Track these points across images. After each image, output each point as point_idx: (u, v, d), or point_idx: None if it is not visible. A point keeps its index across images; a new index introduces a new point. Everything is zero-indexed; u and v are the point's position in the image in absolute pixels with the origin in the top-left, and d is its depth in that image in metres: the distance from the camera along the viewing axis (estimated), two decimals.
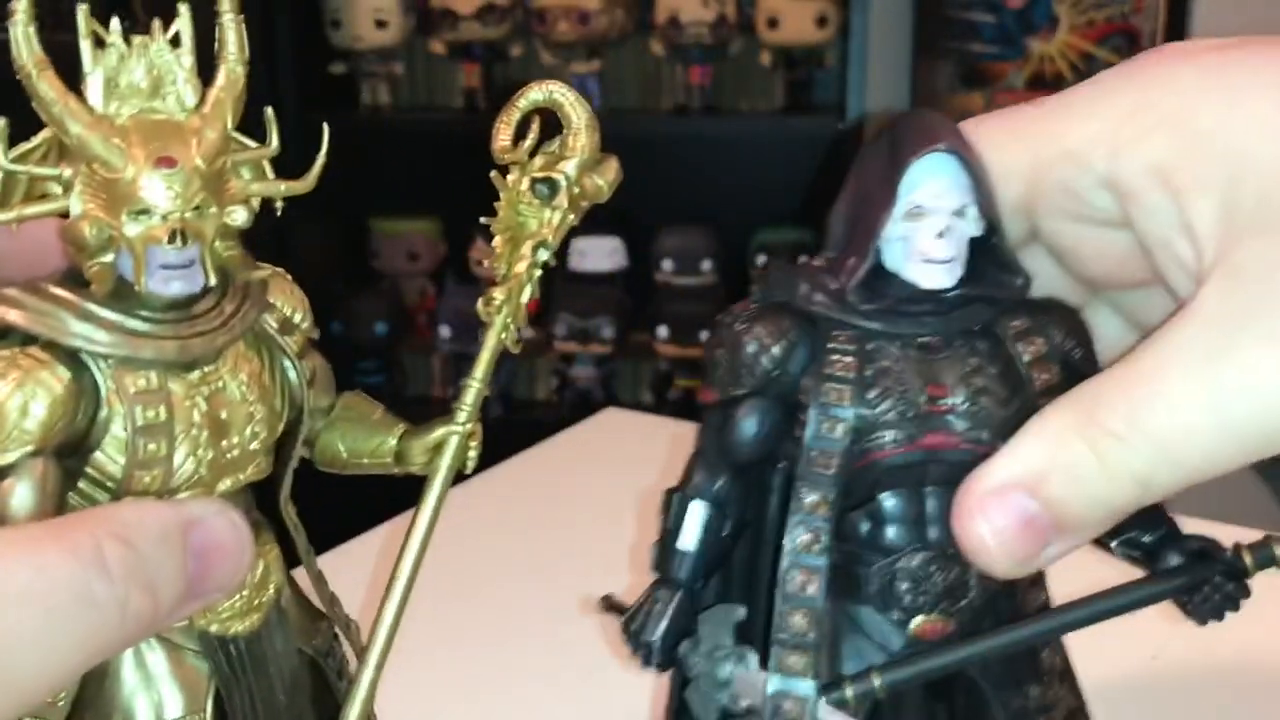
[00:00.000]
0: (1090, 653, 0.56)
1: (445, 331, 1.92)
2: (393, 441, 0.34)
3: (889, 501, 0.35)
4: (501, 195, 0.35)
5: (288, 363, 0.32)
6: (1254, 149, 0.30)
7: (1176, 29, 2.03)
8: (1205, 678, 0.54)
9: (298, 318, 0.33)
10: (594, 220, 1.59)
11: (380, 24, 1.90)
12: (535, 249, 0.35)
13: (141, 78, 0.29)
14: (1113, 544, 0.36)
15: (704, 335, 1.80)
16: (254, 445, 0.31)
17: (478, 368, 0.35)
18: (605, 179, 0.36)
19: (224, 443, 0.30)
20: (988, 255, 0.35)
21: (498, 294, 0.34)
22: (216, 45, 0.30)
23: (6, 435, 0.27)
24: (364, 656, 0.32)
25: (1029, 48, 2.07)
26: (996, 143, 0.36)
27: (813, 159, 1.93)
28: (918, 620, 0.35)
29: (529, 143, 0.35)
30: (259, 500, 0.33)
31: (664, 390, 1.97)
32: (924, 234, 0.34)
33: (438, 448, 0.34)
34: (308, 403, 0.32)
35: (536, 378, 2.05)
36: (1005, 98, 2.08)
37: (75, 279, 0.28)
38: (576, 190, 0.35)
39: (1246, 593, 0.35)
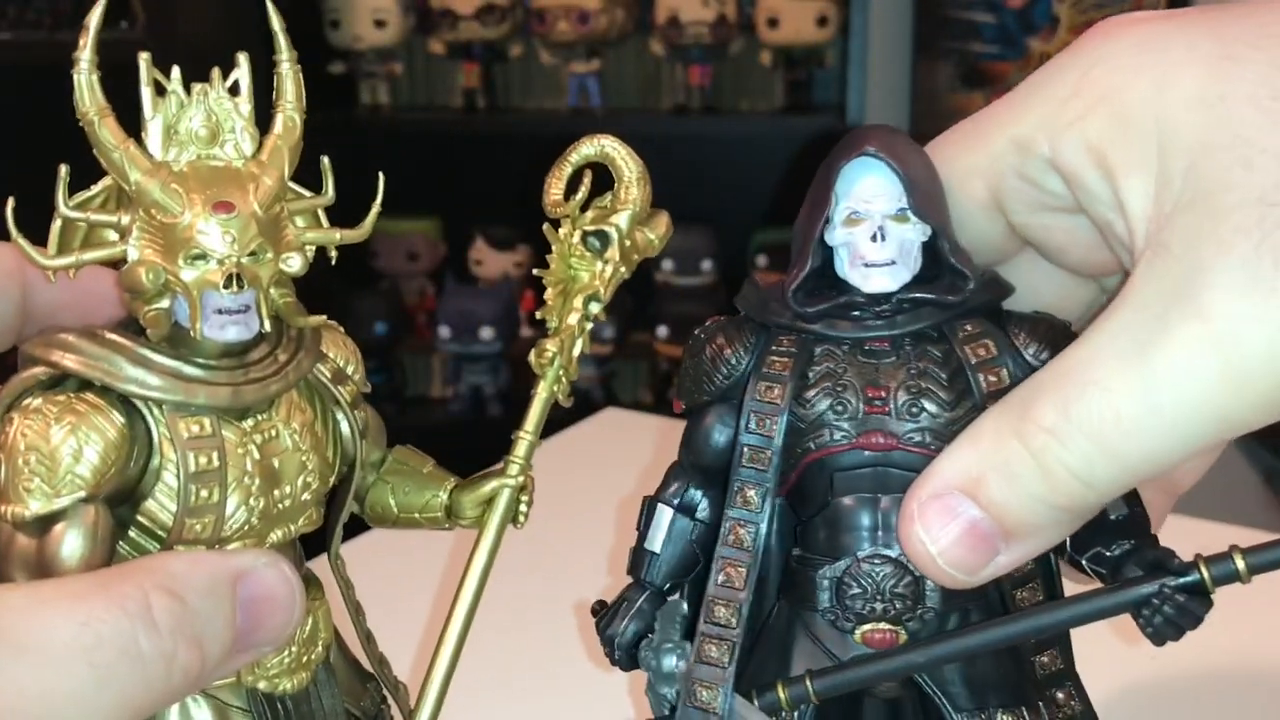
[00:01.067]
0: (1090, 652, 0.56)
1: (445, 331, 1.92)
2: (444, 496, 0.34)
3: (844, 507, 0.35)
4: (553, 248, 0.35)
5: (340, 414, 0.32)
6: (1182, 124, 0.29)
7: None
8: (1205, 677, 0.54)
9: (350, 369, 0.32)
10: None
11: (379, 24, 1.90)
12: (587, 301, 0.35)
13: (200, 125, 0.29)
14: (1082, 560, 0.35)
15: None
16: (306, 496, 0.31)
17: (529, 420, 0.34)
18: (656, 233, 0.36)
19: (276, 492, 0.30)
20: (943, 260, 0.35)
21: (550, 346, 0.35)
22: (274, 93, 0.30)
23: (59, 480, 0.27)
24: (414, 715, 0.31)
25: (1029, 47, 2.07)
26: (953, 146, 0.35)
27: (813, 159, 1.93)
28: (865, 627, 0.35)
29: (580, 196, 0.35)
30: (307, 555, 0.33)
31: (664, 390, 1.97)
32: (861, 238, 0.35)
33: (489, 501, 0.33)
34: (360, 454, 0.32)
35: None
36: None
37: (131, 326, 0.28)
38: (628, 243, 0.36)
39: (1204, 607, 0.33)
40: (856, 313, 0.35)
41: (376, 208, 0.31)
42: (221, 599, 0.25)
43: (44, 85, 2.00)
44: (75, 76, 0.28)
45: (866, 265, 0.35)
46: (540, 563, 0.64)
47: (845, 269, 0.35)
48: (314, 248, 0.31)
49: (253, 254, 0.28)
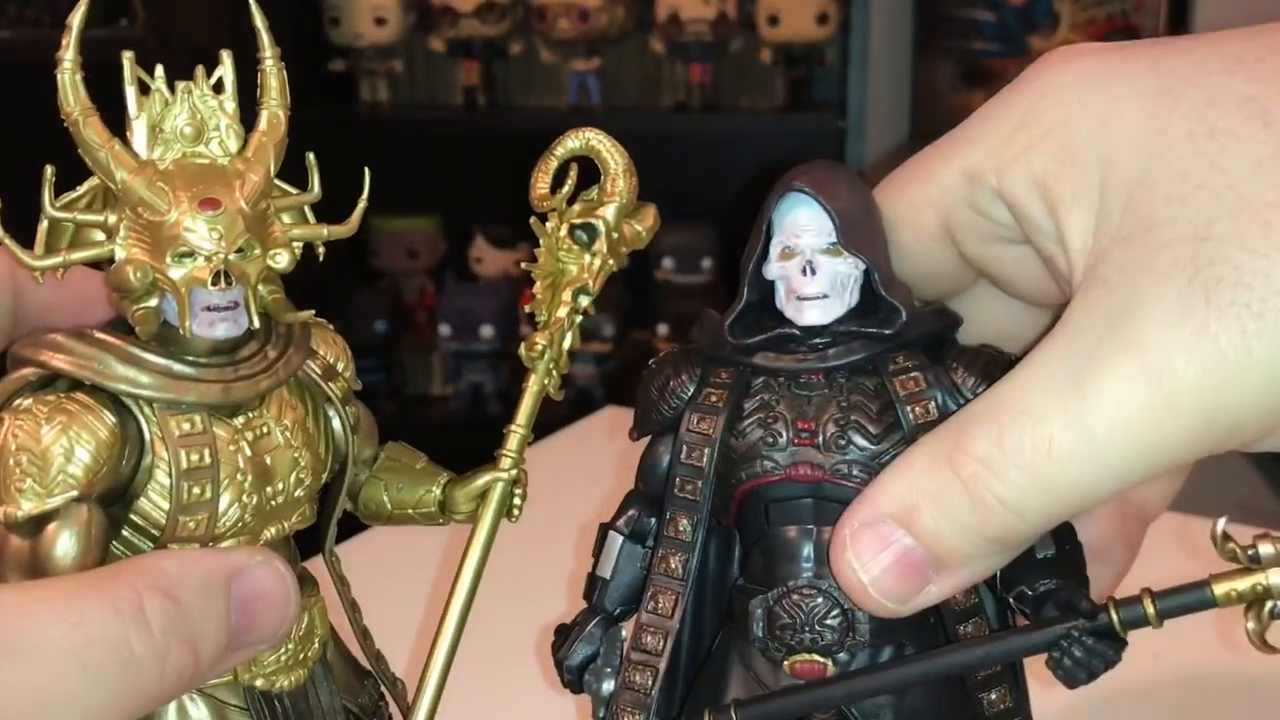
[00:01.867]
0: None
1: (445, 329, 1.92)
2: (437, 491, 0.34)
3: (780, 537, 0.35)
4: (541, 242, 0.35)
5: (332, 410, 0.32)
6: (1120, 159, 0.29)
7: (1178, 26, 2.03)
8: (1206, 677, 0.54)
9: (340, 366, 0.32)
10: None
11: (380, 21, 1.90)
12: (576, 294, 0.35)
13: (185, 123, 0.29)
14: (1009, 597, 0.34)
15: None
16: (299, 492, 0.31)
17: (521, 413, 0.35)
18: (644, 225, 0.36)
19: (268, 489, 0.30)
20: (878, 294, 0.35)
21: (540, 339, 0.35)
22: (258, 90, 0.30)
23: (51, 480, 0.27)
24: (412, 713, 0.31)
25: (1030, 45, 2.06)
26: (904, 179, 0.36)
27: (813, 157, 1.93)
28: (795, 658, 0.35)
29: (567, 189, 0.35)
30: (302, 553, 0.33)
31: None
32: (793, 272, 0.35)
33: (483, 496, 0.33)
34: (352, 450, 0.32)
35: None
36: None
37: (120, 326, 0.28)
38: (615, 236, 0.35)
39: (1116, 649, 0.32)
40: (792, 345, 0.35)
41: (363, 203, 0.31)
42: (215, 598, 0.25)
43: (44, 83, 2.00)
44: (59, 76, 0.28)
45: (800, 299, 0.35)
46: (541, 559, 0.64)
47: (781, 302, 0.36)
48: (302, 244, 0.31)
49: (240, 250, 0.28)
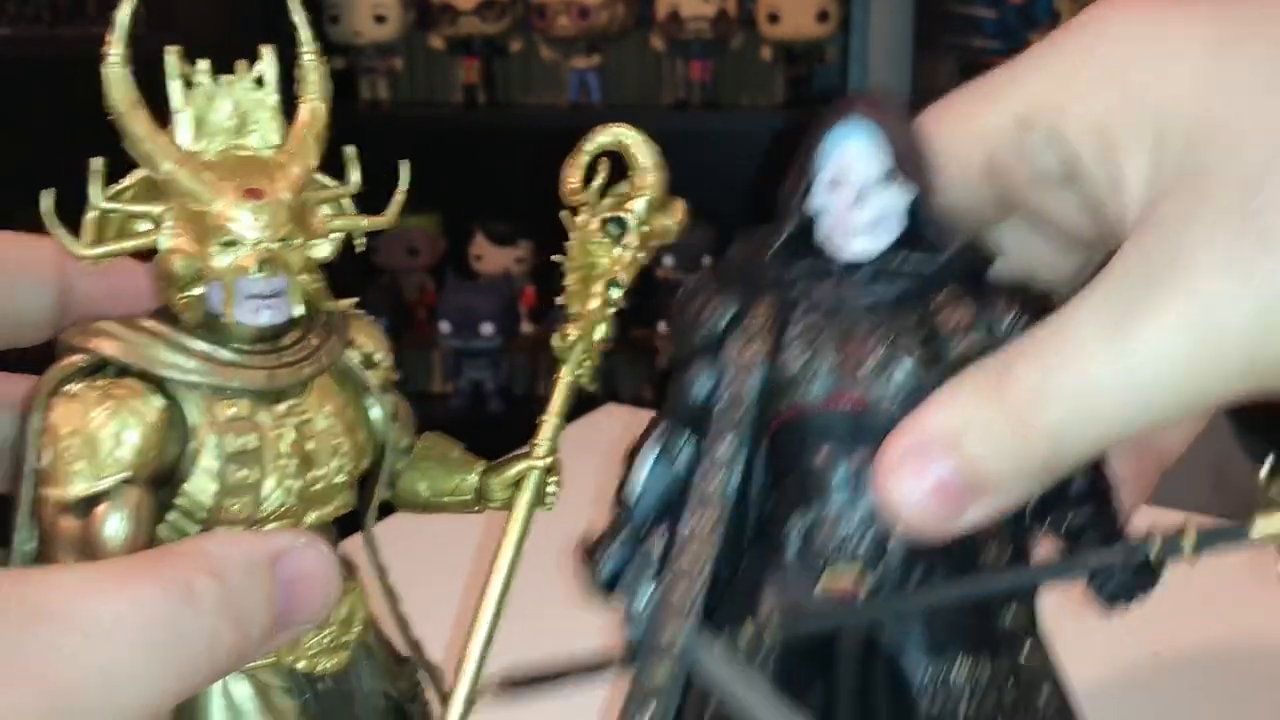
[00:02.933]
0: (1092, 649, 0.56)
1: (445, 327, 1.92)
2: (473, 479, 0.35)
3: (817, 463, 0.36)
4: (571, 235, 0.36)
5: (370, 399, 0.32)
6: (1183, 104, 0.29)
7: None
8: (1207, 675, 0.54)
9: (378, 356, 0.33)
10: None
11: (379, 19, 1.90)
12: (607, 286, 0.36)
13: (228, 116, 0.30)
14: (1041, 526, 0.36)
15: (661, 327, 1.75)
16: (339, 478, 0.31)
17: (553, 403, 0.35)
18: (673, 219, 0.38)
19: (310, 474, 0.30)
20: (924, 227, 0.35)
21: (572, 331, 0.36)
22: (297, 84, 0.31)
23: (101, 462, 0.28)
24: (450, 700, 0.32)
25: (1031, 42, 2.06)
26: (952, 113, 0.36)
27: None
28: (829, 578, 0.35)
29: (598, 184, 0.36)
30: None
31: (664, 387, 1.97)
32: (841, 203, 0.35)
33: (518, 483, 0.34)
34: (391, 438, 0.33)
35: (536, 373, 2.05)
36: None
37: (166, 315, 0.29)
38: (646, 229, 0.37)
39: (1153, 581, 0.34)
40: (835, 277, 0.36)
41: (401, 194, 0.32)
42: (260, 578, 0.25)
43: (44, 80, 2.00)
44: (105, 71, 0.29)
45: (846, 231, 0.35)
46: (541, 557, 0.64)
47: (825, 233, 0.36)
48: (340, 235, 0.31)
49: (283, 239, 0.29)
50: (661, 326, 1.87)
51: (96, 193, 0.28)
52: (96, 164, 0.28)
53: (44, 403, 0.28)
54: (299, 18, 0.31)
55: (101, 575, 0.24)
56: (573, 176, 0.36)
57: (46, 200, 0.28)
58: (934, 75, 2.08)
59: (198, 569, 0.24)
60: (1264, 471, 0.32)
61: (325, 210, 0.31)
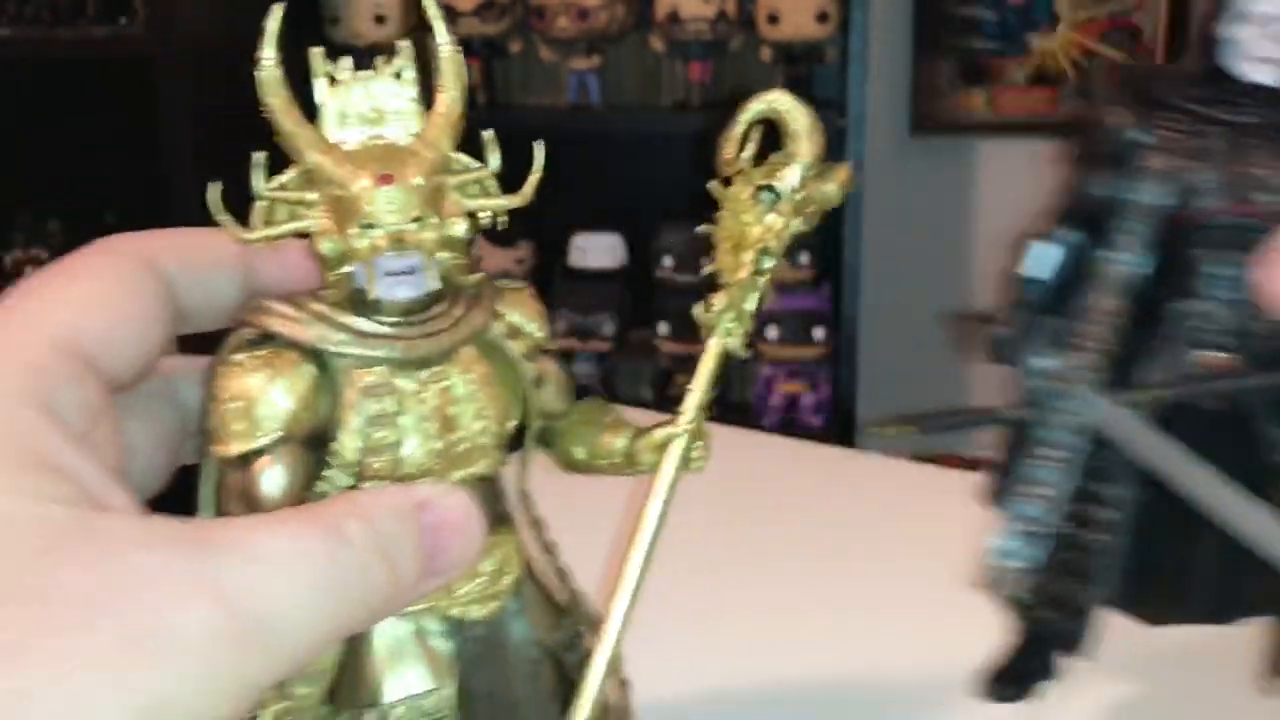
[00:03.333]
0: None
1: None
2: (622, 443, 0.36)
3: (1204, 257, 0.43)
4: (723, 205, 0.37)
5: (516, 365, 0.34)
6: None
7: (1178, 25, 2.03)
8: (1207, 674, 0.54)
9: (531, 327, 0.35)
10: (594, 217, 1.60)
11: (379, 20, 1.90)
12: (758, 256, 0.36)
13: (368, 109, 0.32)
14: None
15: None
16: (483, 440, 0.34)
17: (699, 373, 0.36)
18: (835, 183, 0.37)
19: (451, 436, 0.33)
20: None
21: (718, 300, 0.36)
22: (436, 75, 0.33)
23: (257, 423, 0.31)
24: (593, 652, 0.33)
25: (1030, 44, 2.06)
26: None
27: None
28: (1203, 352, 0.44)
29: (750, 151, 0.37)
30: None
31: (665, 388, 1.97)
32: (1251, 35, 0.42)
33: (664, 448, 0.35)
34: (533, 403, 0.35)
35: None
36: (1006, 94, 2.08)
37: (325, 292, 0.32)
38: (800, 196, 0.36)
39: None
40: (1243, 100, 0.42)
41: (536, 174, 0.34)
42: (406, 523, 0.28)
43: (44, 81, 1.99)
44: (258, 75, 0.31)
45: (1258, 59, 0.42)
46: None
47: (1234, 62, 0.42)
48: (485, 213, 0.34)
49: (417, 219, 0.31)
50: (662, 328, 1.87)
51: (259, 182, 0.31)
52: (259, 157, 0.31)
53: (215, 371, 0.32)
54: (434, 12, 0.33)
55: (269, 520, 0.26)
56: (729, 146, 0.37)
57: (214, 192, 0.31)
58: (933, 76, 2.08)
59: (348, 513, 0.26)
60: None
61: (472, 190, 0.33)
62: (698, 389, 0.36)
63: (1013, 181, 2.14)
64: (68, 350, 0.28)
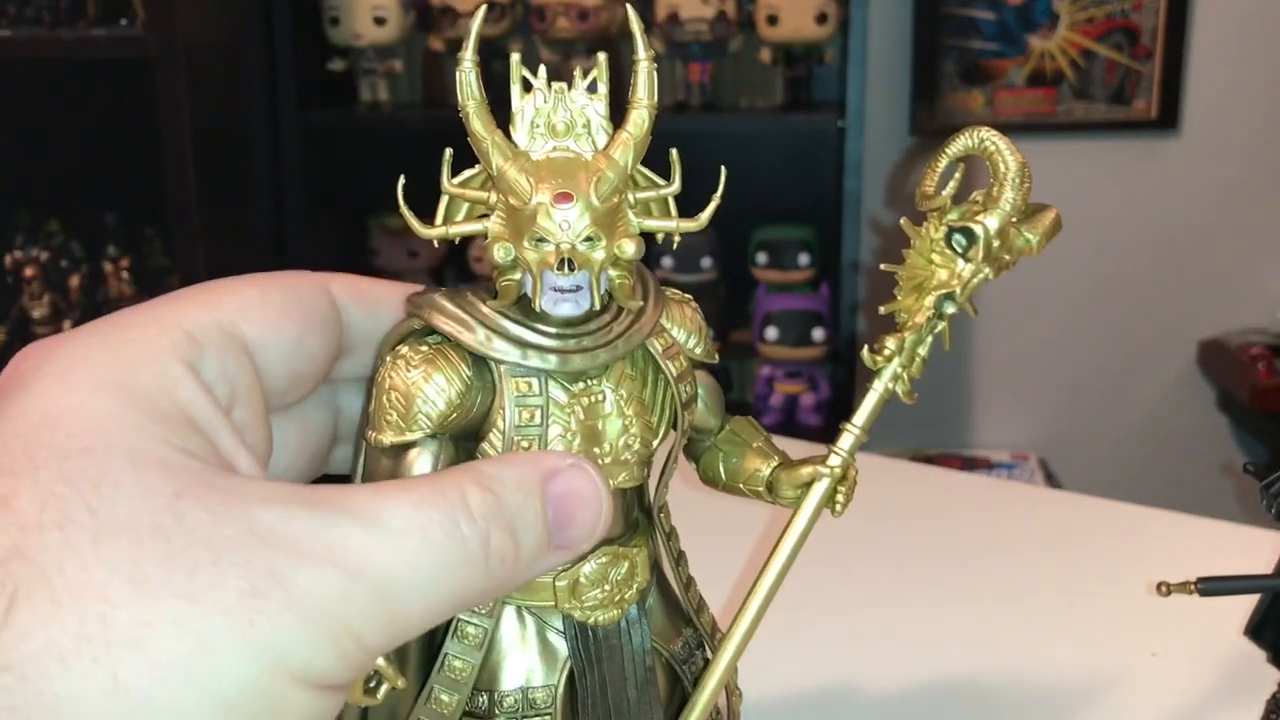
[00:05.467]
0: (1090, 648, 0.56)
1: None
2: (766, 471, 0.36)
3: None
4: (913, 241, 0.35)
5: (670, 384, 0.34)
6: None
7: (1176, 25, 2.03)
8: (1206, 672, 0.54)
9: (691, 342, 0.35)
10: None
11: (379, 20, 1.90)
12: (941, 301, 0.34)
13: (559, 120, 0.32)
14: None
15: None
16: (626, 455, 0.33)
17: (859, 414, 0.35)
18: (1037, 231, 0.35)
19: (596, 449, 0.33)
20: None
21: (891, 342, 0.35)
22: (630, 88, 0.32)
23: (411, 417, 0.32)
24: (710, 666, 0.35)
25: (1029, 45, 2.06)
26: None
27: (813, 156, 1.93)
28: None
29: (951, 189, 0.35)
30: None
31: None
32: None
33: (807, 485, 0.35)
34: (682, 423, 0.35)
35: None
36: (1005, 95, 2.08)
37: (492, 291, 0.32)
38: (996, 244, 0.34)
39: None
40: None
41: (717, 199, 0.34)
42: (531, 493, 0.28)
43: (45, 81, 1.99)
44: (458, 74, 0.31)
45: None
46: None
47: None
48: (658, 234, 0.34)
49: (588, 239, 0.31)
50: None
51: (446, 178, 0.32)
52: (447, 154, 0.32)
53: (380, 359, 0.33)
54: (636, 26, 0.32)
55: (392, 488, 0.26)
56: (929, 180, 0.35)
57: (399, 188, 0.32)
58: (933, 77, 2.08)
59: (471, 481, 0.27)
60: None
61: (653, 209, 0.33)
62: (855, 429, 0.35)
63: None
64: (226, 330, 0.29)
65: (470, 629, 0.33)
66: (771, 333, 1.84)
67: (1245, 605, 0.45)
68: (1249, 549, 0.66)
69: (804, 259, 1.86)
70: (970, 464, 2.14)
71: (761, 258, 1.86)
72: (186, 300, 0.30)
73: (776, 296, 1.87)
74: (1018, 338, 2.21)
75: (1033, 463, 2.16)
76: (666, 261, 1.85)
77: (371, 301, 0.34)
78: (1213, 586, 0.41)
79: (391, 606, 0.25)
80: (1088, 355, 2.20)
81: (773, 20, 1.81)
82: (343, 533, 0.24)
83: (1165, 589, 0.41)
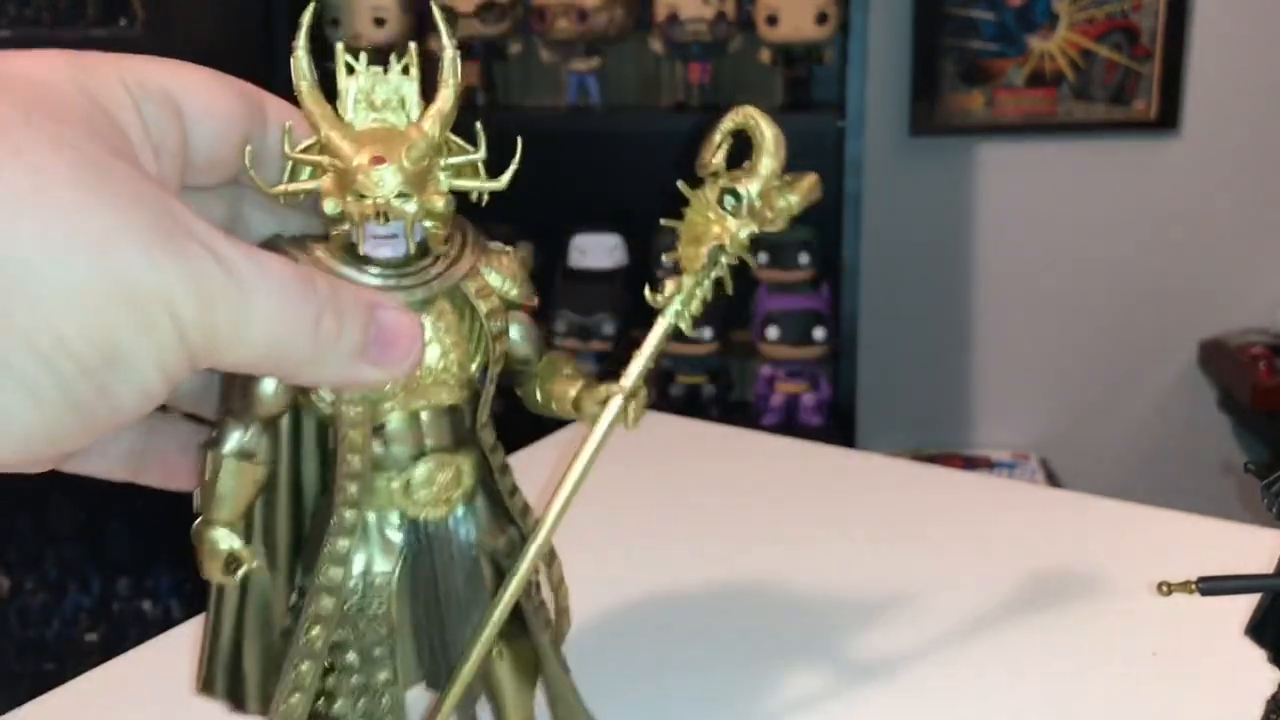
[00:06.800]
0: (1089, 647, 0.56)
1: None
2: (573, 392, 0.42)
3: None
4: (692, 201, 0.42)
5: (482, 319, 0.40)
6: None
7: (1176, 26, 2.03)
8: (1206, 672, 0.54)
9: (507, 286, 0.41)
10: (594, 217, 1.60)
11: (379, 22, 1.90)
12: (715, 251, 0.41)
13: (377, 97, 0.38)
14: None
15: (705, 332, 1.79)
16: (445, 377, 0.39)
17: (646, 344, 0.42)
18: (794, 195, 0.42)
19: (418, 370, 0.38)
20: None
21: (669, 284, 0.42)
22: (439, 73, 0.38)
23: None
24: (521, 554, 0.41)
25: (1029, 45, 2.07)
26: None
27: (813, 156, 1.93)
28: None
29: (721, 157, 0.42)
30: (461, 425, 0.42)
31: (665, 387, 1.97)
32: None
33: (605, 402, 0.41)
34: (493, 352, 0.40)
35: None
36: (1005, 95, 2.08)
37: (329, 241, 0.38)
38: (759, 203, 0.41)
39: None
40: None
41: (515, 164, 0.39)
42: (361, 308, 0.34)
43: None
44: (292, 60, 0.37)
45: None
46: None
47: None
48: (470, 193, 0.39)
49: (401, 195, 0.36)
50: None
51: (287, 146, 0.37)
52: (287, 125, 0.37)
53: None
54: (439, 16, 0.39)
55: (255, 249, 0.31)
56: (705, 151, 0.42)
57: (248, 155, 0.37)
58: (932, 77, 2.08)
59: (321, 276, 0.33)
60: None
61: (460, 171, 0.39)
62: (641, 357, 0.42)
63: (1012, 182, 2.15)
64: (169, 94, 0.33)
65: (338, 540, 0.39)
66: (772, 332, 1.85)
67: (1246, 605, 0.45)
68: (1250, 548, 0.66)
69: (804, 259, 1.86)
70: (971, 463, 2.14)
71: (762, 257, 1.86)
72: (140, 59, 0.33)
73: (777, 296, 1.87)
74: (1018, 337, 2.21)
75: (1034, 462, 2.16)
76: (667, 261, 1.85)
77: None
78: (1213, 586, 0.41)
79: (243, 315, 0.30)
80: (1088, 355, 2.20)
81: (772, 20, 1.81)
82: (230, 244, 0.30)
83: (1166, 588, 0.41)
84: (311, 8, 0.37)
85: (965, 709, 0.52)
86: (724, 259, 0.41)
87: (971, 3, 2.06)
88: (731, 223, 0.41)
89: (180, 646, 0.58)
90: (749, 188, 0.41)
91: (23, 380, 0.26)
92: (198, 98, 0.35)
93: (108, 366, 0.28)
